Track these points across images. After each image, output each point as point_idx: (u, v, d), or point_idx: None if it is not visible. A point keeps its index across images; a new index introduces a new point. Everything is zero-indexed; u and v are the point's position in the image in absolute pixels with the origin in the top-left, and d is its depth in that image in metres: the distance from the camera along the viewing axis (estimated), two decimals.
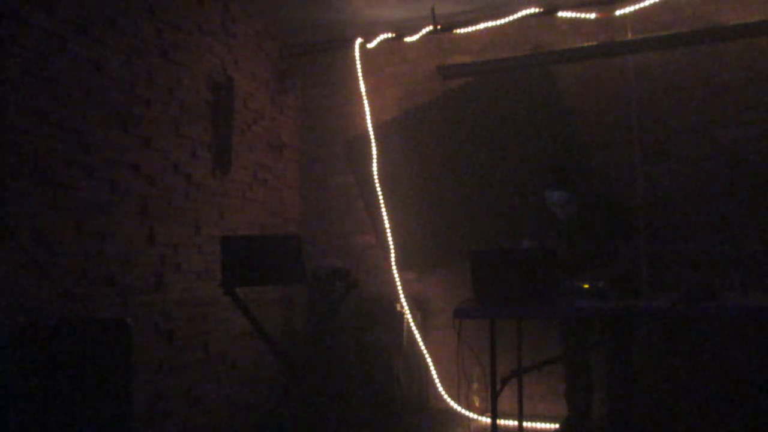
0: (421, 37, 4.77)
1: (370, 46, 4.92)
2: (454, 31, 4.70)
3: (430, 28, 4.67)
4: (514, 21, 4.53)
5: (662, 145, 4.21)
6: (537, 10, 4.47)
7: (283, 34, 4.94)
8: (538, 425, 4.10)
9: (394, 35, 4.86)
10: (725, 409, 3.86)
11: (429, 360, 4.56)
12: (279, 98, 4.94)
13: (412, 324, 4.55)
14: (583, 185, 3.82)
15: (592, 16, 4.38)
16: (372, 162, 4.83)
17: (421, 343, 4.56)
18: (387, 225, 4.77)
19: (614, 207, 3.75)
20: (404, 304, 4.58)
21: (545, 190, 3.65)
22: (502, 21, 4.55)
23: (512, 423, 3.92)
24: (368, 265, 4.88)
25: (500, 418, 3.59)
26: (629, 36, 4.27)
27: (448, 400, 4.48)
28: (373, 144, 4.85)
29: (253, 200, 4.52)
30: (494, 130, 4.58)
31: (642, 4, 4.24)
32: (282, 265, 3.25)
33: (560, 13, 4.44)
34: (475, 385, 4.27)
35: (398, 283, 4.68)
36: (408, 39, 4.82)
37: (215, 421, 3.95)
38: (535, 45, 4.50)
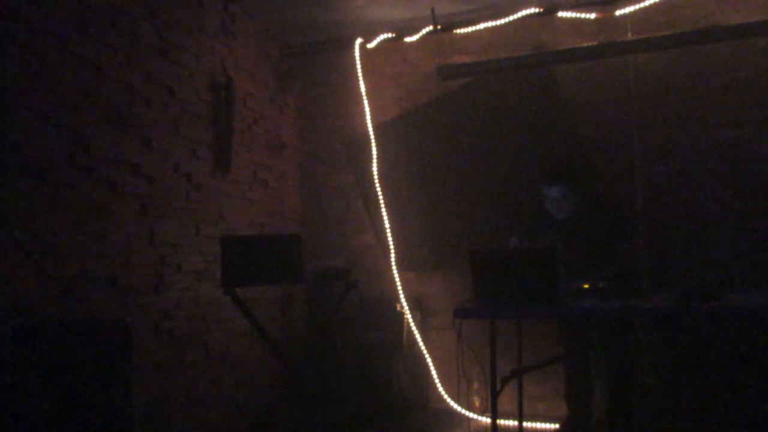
0: (421, 38, 4.77)
1: (370, 46, 4.92)
2: (454, 31, 4.70)
3: (430, 28, 4.67)
4: (514, 21, 4.53)
5: (662, 145, 4.21)
6: (537, 10, 4.47)
7: (283, 34, 4.93)
8: (538, 425, 4.11)
9: (394, 35, 4.86)
10: (725, 408, 3.86)
11: (429, 360, 4.56)
12: (279, 98, 4.94)
13: (412, 324, 4.55)
14: (583, 184, 3.82)
15: (592, 16, 4.38)
16: (372, 162, 4.83)
17: (421, 343, 4.56)
18: (387, 225, 4.77)
19: (613, 207, 3.75)
20: (404, 304, 4.58)
21: (543, 185, 3.64)
22: (502, 21, 4.55)
23: (512, 423, 3.92)
24: (368, 265, 4.88)
25: (500, 418, 3.58)
26: (629, 36, 4.26)
27: (448, 400, 4.48)
28: (373, 144, 4.85)
29: (253, 200, 4.52)
30: (494, 130, 4.57)
31: (642, 4, 4.24)
32: (282, 265, 3.24)
33: (560, 13, 4.44)
34: (475, 385, 4.27)
35: (398, 283, 4.68)
36: (408, 39, 4.81)
37: (215, 421, 3.95)
38: (535, 45, 4.49)
